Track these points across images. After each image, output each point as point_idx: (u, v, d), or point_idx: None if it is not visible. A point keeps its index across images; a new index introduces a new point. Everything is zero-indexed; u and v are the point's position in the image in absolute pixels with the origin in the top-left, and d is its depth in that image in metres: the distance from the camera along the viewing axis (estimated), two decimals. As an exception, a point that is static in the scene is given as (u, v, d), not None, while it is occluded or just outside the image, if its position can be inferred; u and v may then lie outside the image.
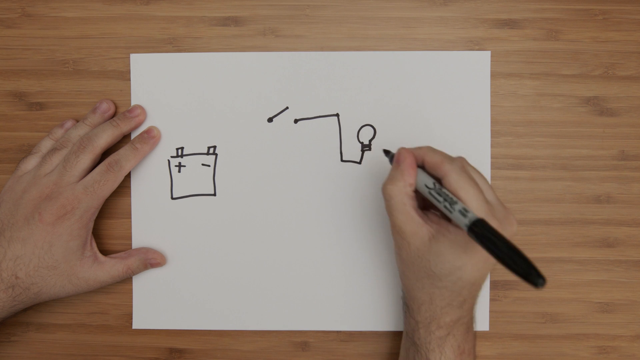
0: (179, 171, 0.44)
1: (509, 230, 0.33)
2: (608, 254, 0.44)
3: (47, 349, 0.45)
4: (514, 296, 0.44)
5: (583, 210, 0.44)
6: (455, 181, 0.33)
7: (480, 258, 0.34)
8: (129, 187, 0.44)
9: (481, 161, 0.43)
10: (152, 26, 0.44)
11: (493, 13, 0.43)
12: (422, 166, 0.36)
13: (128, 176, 0.44)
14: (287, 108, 0.44)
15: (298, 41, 0.44)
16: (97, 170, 0.40)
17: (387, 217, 0.40)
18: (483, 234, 0.29)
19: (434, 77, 0.43)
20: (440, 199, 0.33)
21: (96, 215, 0.41)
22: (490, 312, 0.44)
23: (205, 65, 0.43)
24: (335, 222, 0.44)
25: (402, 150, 0.35)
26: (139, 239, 0.44)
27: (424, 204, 0.38)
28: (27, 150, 0.44)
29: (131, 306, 0.44)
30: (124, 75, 0.44)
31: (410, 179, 0.35)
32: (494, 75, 0.43)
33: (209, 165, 0.44)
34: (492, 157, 0.44)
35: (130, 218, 0.44)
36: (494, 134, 0.44)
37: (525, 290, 0.44)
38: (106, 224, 0.44)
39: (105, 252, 0.44)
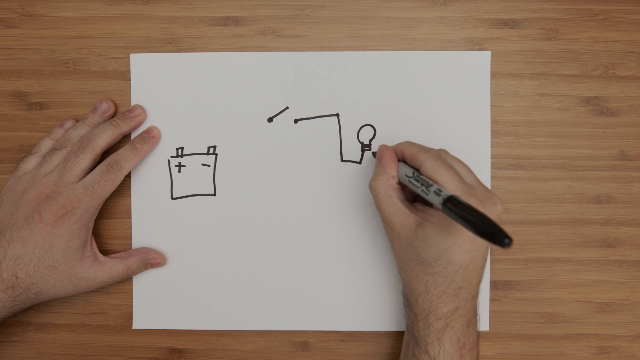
0: (179, 171, 0.44)
1: (492, 210, 0.34)
2: (608, 254, 0.44)
3: (47, 349, 0.45)
4: (514, 296, 0.44)
5: (583, 210, 0.44)
6: (431, 167, 0.35)
7: (465, 239, 0.34)
8: (129, 187, 0.44)
9: (481, 161, 0.43)
10: (152, 26, 0.44)
11: (493, 13, 0.43)
12: (403, 159, 0.38)
13: (128, 176, 0.44)
14: (287, 108, 0.44)
15: (298, 41, 0.44)
16: (97, 170, 0.40)
17: (387, 217, 0.40)
18: (454, 208, 0.31)
19: (434, 77, 0.43)
20: (418, 184, 0.35)
21: (96, 215, 0.41)
22: (490, 312, 0.44)
23: (205, 65, 0.43)
24: (335, 222, 0.44)
25: (381, 146, 0.39)
26: (139, 239, 0.44)
27: (413, 198, 0.39)
28: (27, 150, 0.44)
29: (131, 306, 0.44)
30: (124, 75, 0.44)
31: (392, 171, 0.37)
32: (494, 75, 0.43)
33: (209, 165, 0.44)
34: (492, 157, 0.44)
35: (130, 218, 0.44)
36: (494, 134, 0.44)
37: (525, 290, 0.44)
38: (106, 224, 0.44)
39: (105, 252, 0.44)
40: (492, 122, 0.43)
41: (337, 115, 0.44)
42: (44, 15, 0.44)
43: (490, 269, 0.44)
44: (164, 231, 0.44)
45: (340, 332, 0.44)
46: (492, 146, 0.44)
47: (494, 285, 0.44)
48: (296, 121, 0.44)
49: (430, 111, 0.43)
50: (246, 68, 0.43)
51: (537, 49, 0.43)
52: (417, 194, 0.38)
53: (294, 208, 0.44)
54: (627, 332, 0.44)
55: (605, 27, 0.43)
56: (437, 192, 0.33)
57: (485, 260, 0.37)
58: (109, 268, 0.41)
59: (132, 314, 0.44)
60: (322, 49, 0.43)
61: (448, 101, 0.43)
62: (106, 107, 0.43)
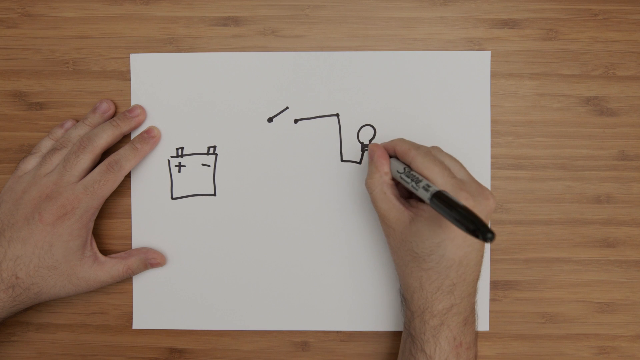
0: (179, 171, 0.44)
1: (484, 204, 0.35)
2: (608, 254, 0.44)
3: (47, 349, 0.45)
4: (514, 296, 0.44)
5: (583, 210, 0.44)
6: (421, 162, 0.36)
7: (457, 233, 0.35)
8: (129, 187, 0.44)
9: (481, 161, 0.43)
10: (152, 26, 0.44)
11: (493, 13, 0.43)
12: (395, 156, 0.39)
13: (128, 176, 0.44)
14: (287, 108, 0.44)
15: (298, 41, 0.44)
16: (97, 170, 0.40)
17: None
18: (441, 203, 0.31)
19: (434, 77, 0.43)
20: (409, 180, 0.36)
21: (96, 215, 0.41)
22: (490, 312, 0.44)
23: (205, 65, 0.43)
24: (335, 222, 0.44)
25: (371, 145, 0.40)
26: (139, 239, 0.44)
27: (408, 194, 0.40)
28: (27, 150, 0.44)
29: (131, 306, 0.44)
30: (124, 75, 0.44)
31: (384, 168, 0.38)
32: (494, 75, 0.43)
33: (209, 165, 0.44)
34: (492, 157, 0.44)
35: (130, 218, 0.44)
36: (494, 134, 0.44)
37: (525, 290, 0.44)
38: (106, 224, 0.44)
39: (105, 252, 0.44)
40: (492, 122, 0.43)
41: (337, 115, 0.44)
42: (44, 15, 0.44)
43: (490, 269, 0.44)
44: (164, 231, 0.44)
45: (340, 332, 0.44)
46: (492, 146, 0.44)
47: (494, 285, 0.44)
48: (296, 121, 0.44)
49: (430, 111, 0.43)
50: (246, 68, 0.43)
51: (537, 49, 0.43)
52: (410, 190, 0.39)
53: (294, 208, 0.44)
54: (627, 332, 0.44)
55: (605, 27, 0.43)
56: (426, 188, 0.34)
57: (481, 257, 0.37)
58: (109, 268, 0.41)
59: (132, 314, 0.44)
60: (322, 49, 0.43)
61: (448, 101, 0.43)
62: (106, 107, 0.43)
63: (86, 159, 0.40)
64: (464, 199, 0.34)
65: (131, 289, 0.44)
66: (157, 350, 0.45)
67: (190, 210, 0.44)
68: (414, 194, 0.39)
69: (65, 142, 0.41)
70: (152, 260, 0.43)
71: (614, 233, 0.44)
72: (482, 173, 0.43)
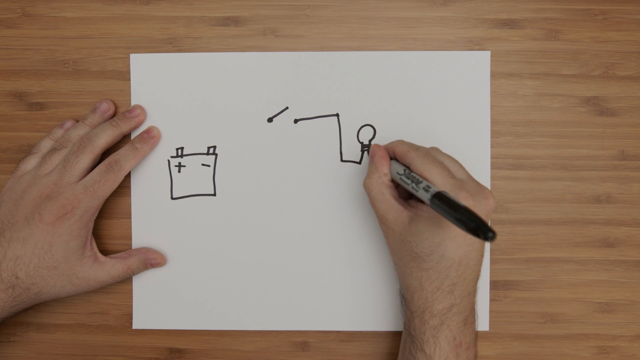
0: (179, 171, 0.44)
1: (484, 204, 0.35)
2: (608, 254, 0.44)
3: (47, 349, 0.45)
4: (514, 296, 0.44)
5: (583, 210, 0.44)
6: (420, 164, 0.36)
7: (457, 233, 0.35)
8: (129, 187, 0.44)
9: (481, 161, 0.43)
10: (152, 26, 0.44)
11: (493, 13, 0.43)
12: (395, 158, 0.39)
13: (128, 176, 0.44)
14: (287, 108, 0.44)
15: (298, 41, 0.44)
16: (97, 170, 0.40)
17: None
18: (441, 203, 0.32)
19: (434, 77, 0.43)
20: (409, 181, 0.36)
21: (96, 215, 0.41)
22: (490, 312, 0.44)
23: (205, 65, 0.43)
24: (335, 222, 0.44)
25: (373, 146, 0.40)
26: (139, 239, 0.44)
27: (407, 195, 0.40)
28: (27, 150, 0.44)
29: (131, 306, 0.44)
30: (124, 75, 0.44)
31: (384, 168, 0.38)
32: (494, 75, 0.43)
33: (209, 165, 0.44)
34: (492, 157, 0.44)
35: (130, 218, 0.44)
36: (494, 134, 0.44)
37: (525, 290, 0.44)
38: (106, 224, 0.44)
39: (105, 252, 0.44)
40: (492, 122, 0.43)
41: (337, 115, 0.44)
42: (44, 15, 0.44)
43: (490, 269, 0.44)
44: (164, 231, 0.44)
45: (340, 332, 0.44)
46: (492, 146, 0.44)
47: (494, 285, 0.44)
48: (296, 121, 0.44)
49: (430, 111, 0.43)
50: (246, 68, 0.43)
51: (537, 49, 0.43)
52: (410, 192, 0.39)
53: (294, 208, 0.44)
54: (627, 332, 0.44)
55: (605, 27, 0.43)
56: (426, 189, 0.34)
57: (481, 256, 0.37)
58: (109, 268, 0.41)
59: (132, 314, 0.44)
60: (322, 49, 0.43)
61: (448, 101, 0.43)
62: (106, 107, 0.43)
63: (86, 159, 0.40)
64: (464, 199, 0.34)
65: (131, 289, 0.44)
66: (157, 350, 0.45)
67: (190, 210, 0.44)
68: (413, 196, 0.39)
69: (65, 142, 0.41)
70: (152, 260, 0.43)
71: (614, 233, 0.44)
72: (482, 173, 0.43)
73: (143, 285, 0.44)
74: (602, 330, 0.44)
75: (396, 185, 0.39)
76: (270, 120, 0.44)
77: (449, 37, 0.43)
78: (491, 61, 0.43)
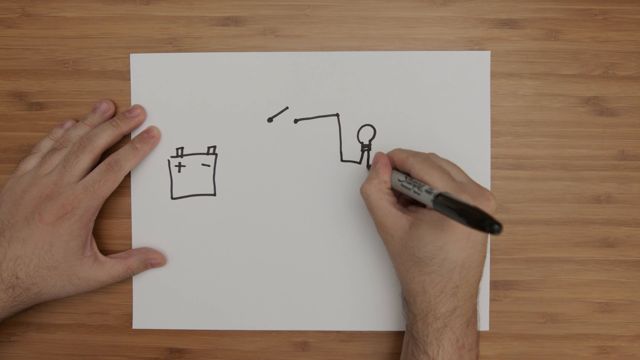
0: (179, 171, 0.44)
1: (485, 206, 0.35)
2: (608, 254, 0.44)
3: (47, 349, 0.45)
4: (514, 296, 0.44)
5: (583, 210, 0.44)
6: (420, 169, 0.36)
7: (460, 235, 0.35)
8: (129, 187, 0.44)
9: (481, 161, 0.43)
10: (152, 26, 0.44)
11: (493, 13, 0.43)
12: (396, 168, 0.39)
13: (128, 176, 0.44)
14: (287, 108, 0.44)
15: (298, 41, 0.44)
16: (97, 170, 0.40)
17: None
18: (445, 203, 0.32)
19: (434, 77, 0.43)
20: (410, 186, 0.36)
21: (96, 215, 0.41)
22: (490, 312, 0.44)
23: (205, 65, 0.43)
24: (335, 222, 0.44)
25: (377, 153, 0.40)
26: (139, 239, 0.44)
27: (406, 205, 0.40)
28: (27, 150, 0.44)
29: (131, 306, 0.44)
30: (124, 75, 0.44)
31: (385, 176, 0.38)
32: (494, 75, 0.43)
33: (209, 165, 0.44)
34: (492, 157, 0.44)
35: (130, 218, 0.44)
36: (494, 134, 0.44)
37: (525, 290, 0.44)
38: (106, 224, 0.44)
39: (105, 252, 0.44)
40: (492, 122, 0.43)
41: (337, 115, 0.44)
42: (44, 15, 0.44)
43: (490, 269, 0.44)
44: (164, 231, 0.44)
45: (340, 332, 0.44)
46: (492, 146, 0.44)
47: (494, 285, 0.44)
48: (296, 121, 0.44)
49: (430, 111, 0.43)
50: (246, 68, 0.43)
51: (537, 49, 0.43)
52: (411, 199, 0.39)
53: (294, 208, 0.44)
54: (627, 332, 0.44)
55: (605, 27, 0.43)
56: (428, 191, 0.34)
57: (483, 258, 0.37)
58: (109, 268, 0.41)
59: (132, 314, 0.44)
60: (322, 49, 0.43)
61: (448, 101, 0.43)
62: (106, 107, 0.43)
63: (86, 159, 0.40)
64: (464, 200, 0.34)
65: (131, 289, 0.44)
66: (157, 350, 0.45)
67: (190, 210, 0.44)
68: (412, 203, 0.39)
69: (65, 142, 0.41)
70: (152, 260, 0.43)
71: (614, 233, 0.44)
72: (482, 173, 0.43)
73: (143, 285, 0.44)
74: (602, 330, 0.44)
75: (397, 195, 0.39)
76: (270, 120, 0.44)
77: (449, 37, 0.43)
78: (491, 61, 0.43)
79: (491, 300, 0.44)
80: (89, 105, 0.44)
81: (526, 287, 0.44)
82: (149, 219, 0.44)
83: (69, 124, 0.43)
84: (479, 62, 0.43)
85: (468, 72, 0.43)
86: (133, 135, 0.43)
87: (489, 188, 0.43)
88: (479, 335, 0.39)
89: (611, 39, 0.43)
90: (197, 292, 0.44)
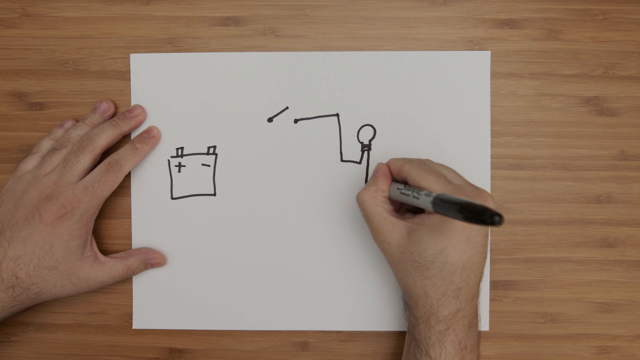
0: (179, 171, 0.44)
1: None
2: (608, 254, 0.44)
3: (47, 349, 0.45)
4: (514, 296, 0.44)
5: (583, 210, 0.44)
6: (416, 175, 0.36)
7: (460, 238, 0.35)
8: (129, 187, 0.44)
9: (481, 161, 0.43)
10: (152, 26, 0.44)
11: (493, 13, 0.43)
12: (395, 180, 0.39)
13: (128, 176, 0.44)
14: (287, 108, 0.44)
15: (298, 41, 0.44)
16: (97, 170, 0.40)
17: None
18: (444, 203, 0.32)
19: (434, 77, 0.43)
20: (409, 192, 0.36)
21: (96, 215, 0.41)
22: (490, 312, 0.44)
23: (205, 65, 0.43)
24: (335, 222, 0.44)
25: (378, 164, 0.40)
26: (139, 239, 0.44)
27: (404, 215, 0.40)
28: (27, 150, 0.44)
29: (131, 306, 0.44)
30: (124, 75, 0.44)
31: (382, 185, 0.38)
32: (494, 75, 0.43)
33: (209, 165, 0.44)
34: (492, 157, 0.44)
35: (130, 218, 0.44)
36: (494, 134, 0.44)
37: (525, 290, 0.44)
38: (106, 224, 0.44)
39: (105, 252, 0.44)
40: (492, 122, 0.43)
41: (337, 115, 0.44)
42: (44, 15, 0.44)
43: (490, 269, 0.44)
44: (164, 231, 0.44)
45: (340, 332, 0.44)
46: (492, 146, 0.44)
47: (494, 285, 0.44)
48: (296, 121, 0.44)
49: (430, 111, 0.43)
50: (246, 68, 0.43)
51: (537, 49, 0.43)
52: (410, 208, 0.39)
53: (294, 208, 0.44)
54: (627, 332, 0.44)
55: (605, 27, 0.43)
56: (427, 194, 0.34)
57: (484, 259, 0.37)
58: (109, 268, 0.41)
59: (132, 314, 0.44)
60: (322, 49, 0.43)
61: (448, 101, 0.43)
62: (106, 107, 0.43)
63: (86, 159, 0.40)
64: None
65: (131, 289, 0.44)
66: (157, 350, 0.45)
67: (190, 210, 0.44)
68: (409, 211, 0.40)
69: (65, 142, 0.41)
70: (152, 260, 0.43)
71: (614, 233, 0.44)
72: (482, 173, 0.43)
73: (143, 285, 0.44)
74: (602, 330, 0.44)
75: (397, 207, 0.40)
76: (270, 120, 0.44)
77: (449, 37, 0.43)
78: (491, 61, 0.43)
79: (491, 300, 0.44)
80: (89, 105, 0.44)
81: (526, 287, 0.44)
82: (149, 219, 0.44)
83: (69, 124, 0.43)
84: (479, 62, 0.43)
85: (468, 72, 0.43)
86: (133, 135, 0.43)
87: (489, 188, 0.43)
88: (480, 335, 0.39)
89: (611, 39, 0.43)
90: (197, 292, 0.44)
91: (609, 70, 0.43)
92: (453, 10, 0.43)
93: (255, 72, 0.43)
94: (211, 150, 0.44)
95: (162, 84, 0.43)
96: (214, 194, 0.44)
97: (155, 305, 0.44)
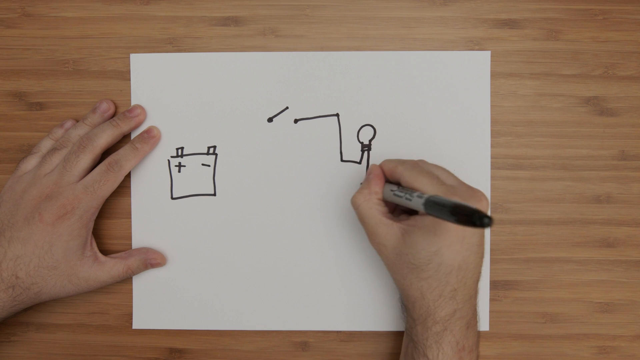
0: (179, 171, 0.44)
1: (477, 206, 0.34)
2: (608, 254, 0.44)
3: (47, 349, 0.45)
4: (514, 296, 0.44)
5: (583, 210, 0.44)
6: (409, 176, 0.36)
7: (454, 239, 0.35)
8: (129, 187, 0.44)
9: (481, 161, 0.43)
10: (152, 26, 0.44)
11: (493, 13, 0.43)
12: (389, 181, 0.39)
13: (128, 176, 0.44)
14: (287, 108, 0.44)
15: (298, 41, 0.44)
16: (97, 170, 0.40)
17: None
18: (435, 204, 0.32)
19: (434, 77, 0.43)
20: (402, 194, 0.36)
21: (96, 215, 0.41)
22: (490, 312, 0.44)
23: (205, 65, 0.43)
24: (335, 222, 0.44)
25: (371, 165, 0.40)
26: (139, 239, 0.44)
27: (400, 216, 0.40)
28: (27, 150, 0.44)
29: (131, 306, 0.44)
30: (124, 75, 0.44)
31: (376, 187, 0.38)
32: (494, 75, 0.43)
33: (209, 165, 0.44)
34: (492, 157, 0.44)
35: (130, 218, 0.44)
36: (494, 134, 0.44)
37: (525, 290, 0.44)
38: (106, 224, 0.44)
39: (105, 252, 0.44)
40: (492, 122, 0.43)
41: (337, 115, 0.44)
42: (44, 15, 0.44)
43: (490, 269, 0.44)
44: (164, 231, 0.44)
45: (340, 332, 0.44)
46: (492, 146, 0.44)
47: (494, 285, 0.44)
48: (296, 121, 0.44)
49: (430, 111, 0.43)
50: (246, 68, 0.43)
51: (537, 49, 0.43)
52: (405, 210, 0.39)
53: (294, 208, 0.44)
54: (627, 332, 0.44)
55: (605, 27, 0.43)
56: (420, 196, 0.34)
57: (480, 259, 0.37)
58: (109, 268, 0.41)
59: (132, 314, 0.44)
60: (322, 49, 0.43)
61: (448, 101, 0.43)
62: (106, 107, 0.43)
63: (86, 159, 0.40)
64: None
65: (131, 289, 0.44)
66: (157, 350, 0.45)
67: (190, 210, 0.44)
68: (404, 212, 0.40)
69: (65, 142, 0.41)
70: (152, 260, 0.43)
71: (614, 233, 0.44)
72: (482, 173, 0.43)
73: (143, 285, 0.44)
74: (602, 330, 0.44)
75: (392, 209, 0.40)
76: (270, 120, 0.44)
77: (449, 37, 0.43)
78: (491, 61, 0.43)
79: (491, 300, 0.44)
80: (89, 105, 0.44)
81: (526, 287, 0.44)
82: (149, 219, 0.44)
83: (69, 123, 0.43)
84: (479, 62, 0.43)
85: (468, 72, 0.43)
86: (133, 135, 0.43)
87: (489, 188, 0.43)
88: (479, 336, 0.39)
89: (611, 39, 0.43)
90: (197, 292, 0.44)
91: (609, 70, 0.43)
92: (453, 10, 0.43)
93: (255, 72, 0.43)
94: (211, 150, 0.44)
95: (162, 84, 0.43)
96: (214, 194, 0.44)
97: (155, 305, 0.44)
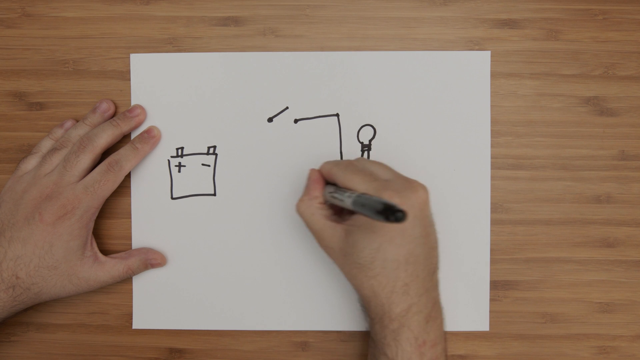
0: (179, 171, 0.44)
1: (413, 198, 0.35)
2: (608, 254, 0.44)
3: (47, 349, 0.45)
4: (514, 296, 0.44)
5: (583, 210, 0.44)
6: (342, 176, 0.37)
7: (393, 233, 0.35)
8: (129, 187, 0.44)
9: (481, 161, 0.43)
10: (152, 26, 0.44)
11: (493, 13, 0.43)
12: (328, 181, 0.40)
13: (128, 176, 0.44)
14: (287, 108, 0.44)
15: (298, 41, 0.44)
16: (97, 170, 0.40)
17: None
18: (359, 203, 0.32)
19: (434, 77, 0.43)
20: (338, 195, 0.36)
21: (96, 215, 0.41)
22: (490, 312, 0.44)
23: (205, 65, 0.43)
24: (335, 222, 0.44)
25: (310, 171, 0.40)
26: (139, 239, 0.44)
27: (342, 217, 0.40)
28: (27, 150, 0.44)
29: (131, 306, 0.44)
30: (124, 75, 0.44)
31: (315, 192, 0.39)
32: (494, 75, 0.43)
33: (209, 165, 0.44)
34: (492, 157, 0.44)
35: (130, 218, 0.44)
36: (494, 134, 0.44)
37: (525, 290, 0.44)
38: (106, 224, 0.44)
39: (105, 252, 0.44)
40: (492, 122, 0.43)
41: (337, 115, 0.44)
42: (44, 15, 0.44)
43: (490, 269, 0.44)
44: (164, 231, 0.44)
45: (340, 332, 0.44)
46: (492, 146, 0.44)
47: (494, 285, 0.44)
48: (296, 121, 0.44)
49: (430, 111, 0.43)
50: (246, 68, 0.43)
51: (537, 49, 0.43)
52: (343, 208, 0.39)
53: (294, 208, 0.44)
54: (627, 332, 0.44)
55: (605, 27, 0.43)
56: (350, 196, 0.34)
57: (430, 250, 0.36)
58: (110, 268, 0.41)
59: (132, 314, 0.44)
60: (322, 49, 0.43)
61: (448, 101, 0.43)
62: (106, 107, 0.43)
63: (86, 159, 0.40)
64: (389, 197, 0.34)
65: (131, 289, 0.44)
66: (157, 350, 0.45)
67: (190, 210, 0.44)
68: (350, 212, 0.39)
69: (65, 142, 0.41)
70: (152, 260, 0.43)
71: (614, 233, 0.44)
72: (482, 173, 0.43)
73: (143, 285, 0.44)
74: (602, 330, 0.44)
75: (339, 210, 0.40)
76: (270, 120, 0.44)
77: (449, 37, 0.43)
78: (491, 61, 0.43)
79: (491, 300, 0.44)
80: (89, 105, 0.44)
81: (526, 287, 0.44)
82: (149, 219, 0.44)
83: (69, 123, 0.43)
84: (479, 62, 0.43)
85: (468, 72, 0.43)
86: (133, 135, 0.43)
87: (488, 188, 0.43)
88: (443, 329, 0.38)
89: (611, 39, 0.43)
90: (197, 292, 0.44)
91: (609, 70, 0.43)
92: (453, 10, 0.43)
93: (255, 72, 0.43)
94: (211, 150, 0.44)
95: (162, 84, 0.43)
96: (214, 194, 0.44)
97: (155, 305, 0.44)
